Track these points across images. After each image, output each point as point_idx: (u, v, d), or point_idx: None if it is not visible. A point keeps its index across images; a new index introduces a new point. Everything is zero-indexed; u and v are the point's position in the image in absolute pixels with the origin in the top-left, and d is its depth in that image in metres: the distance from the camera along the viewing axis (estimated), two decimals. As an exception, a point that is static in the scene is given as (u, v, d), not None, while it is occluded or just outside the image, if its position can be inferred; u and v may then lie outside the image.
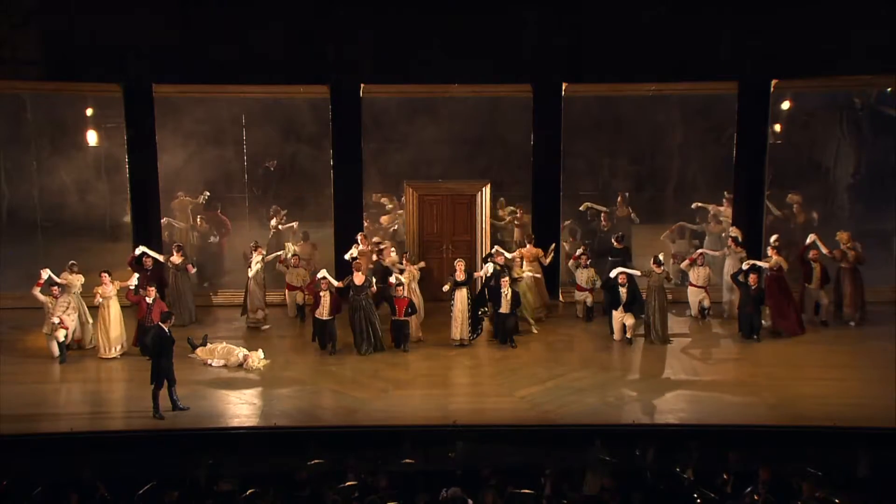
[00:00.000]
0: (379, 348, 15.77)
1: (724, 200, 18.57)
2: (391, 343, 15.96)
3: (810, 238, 16.84)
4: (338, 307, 15.73)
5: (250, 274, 17.00)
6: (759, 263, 16.38)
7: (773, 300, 16.28)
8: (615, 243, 17.65)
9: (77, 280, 15.89)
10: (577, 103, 18.01)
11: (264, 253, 17.33)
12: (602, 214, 18.40)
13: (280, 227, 18.62)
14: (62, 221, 18.31)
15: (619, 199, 18.82)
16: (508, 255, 16.98)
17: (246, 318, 17.18)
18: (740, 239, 17.39)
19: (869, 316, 16.98)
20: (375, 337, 15.77)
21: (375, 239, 17.74)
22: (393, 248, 17.39)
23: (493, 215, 18.54)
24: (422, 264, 17.24)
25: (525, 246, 17.54)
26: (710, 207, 18.55)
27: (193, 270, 17.48)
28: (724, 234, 17.96)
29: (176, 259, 17.31)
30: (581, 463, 11.61)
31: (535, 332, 16.50)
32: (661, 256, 16.51)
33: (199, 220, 18.60)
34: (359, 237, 17.20)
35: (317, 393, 14.21)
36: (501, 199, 18.87)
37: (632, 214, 18.67)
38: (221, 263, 19.19)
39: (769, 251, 16.59)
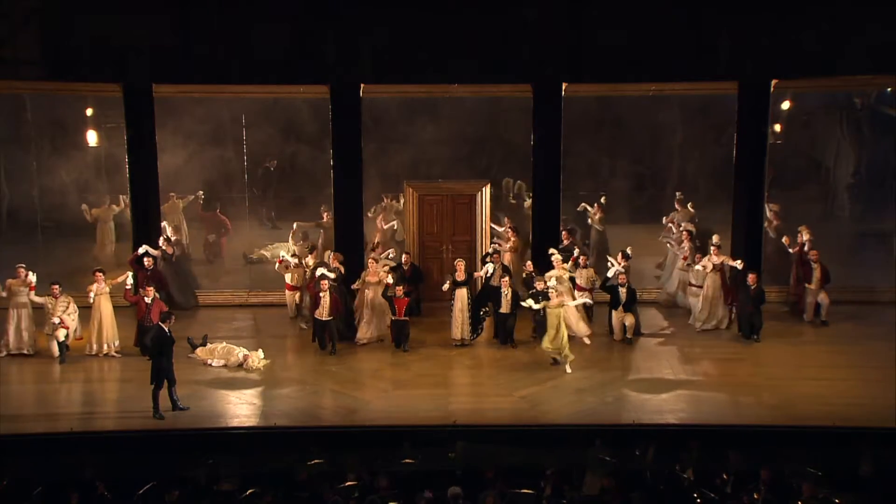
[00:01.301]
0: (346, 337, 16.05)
1: (675, 203, 18.69)
2: (391, 342, 15.98)
3: (806, 236, 16.88)
4: (338, 307, 15.73)
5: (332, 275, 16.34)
6: (702, 262, 16.55)
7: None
8: (564, 236, 17.47)
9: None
10: (577, 103, 17.99)
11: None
12: (563, 232, 18.13)
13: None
14: (62, 221, 18.32)
15: (595, 205, 18.82)
16: (501, 247, 17.05)
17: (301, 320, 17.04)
18: (694, 233, 17.64)
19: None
20: (351, 319, 16.07)
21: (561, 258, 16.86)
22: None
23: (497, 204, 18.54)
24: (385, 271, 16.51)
25: (510, 241, 17.54)
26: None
27: (171, 251, 17.43)
28: (680, 228, 18.05)
29: (168, 249, 17.31)
30: (581, 463, 11.62)
31: (569, 371, 14.82)
32: (629, 251, 16.58)
33: (171, 230, 17.99)
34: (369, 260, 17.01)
35: (317, 393, 14.21)
36: (520, 182, 18.85)
37: (591, 221, 18.73)
38: (221, 264, 19.26)
39: (711, 249, 16.57)
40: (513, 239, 17.64)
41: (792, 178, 18.66)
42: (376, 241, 17.99)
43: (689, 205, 18.78)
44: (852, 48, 17.04)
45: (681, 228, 18.04)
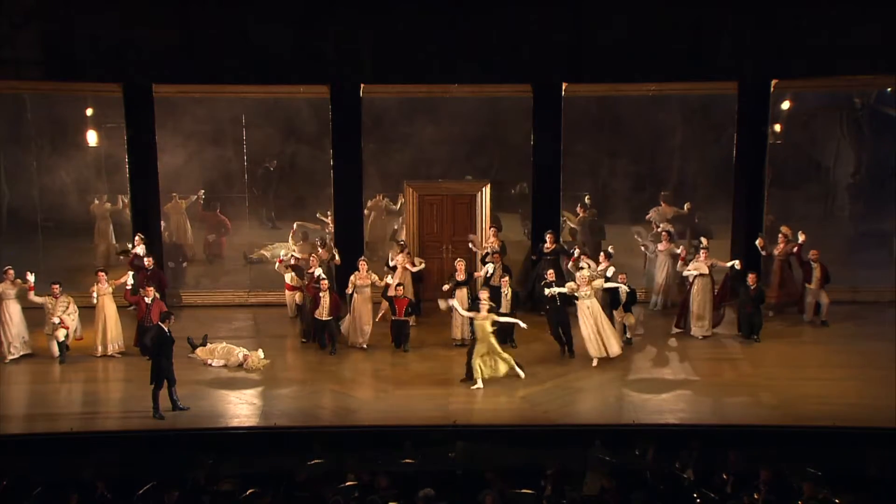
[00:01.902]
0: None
1: (660, 201, 18.67)
2: (391, 342, 15.97)
3: (801, 237, 16.84)
4: (338, 307, 15.72)
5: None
6: (690, 270, 16.27)
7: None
8: (549, 240, 17.11)
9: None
10: (577, 103, 18.00)
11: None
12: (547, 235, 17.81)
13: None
14: (62, 221, 18.31)
15: (578, 206, 18.78)
16: (476, 248, 17.01)
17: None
18: (674, 234, 17.73)
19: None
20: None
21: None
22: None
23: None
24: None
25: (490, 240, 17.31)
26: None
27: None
28: (659, 229, 17.99)
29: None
30: (581, 463, 11.61)
31: (480, 386, 14.20)
32: (611, 249, 16.54)
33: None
34: (360, 263, 16.72)
35: (317, 393, 14.20)
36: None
37: (569, 222, 18.72)
38: (221, 264, 19.26)
39: (702, 253, 16.33)
40: (493, 239, 17.44)
41: (792, 178, 18.64)
42: (402, 241, 17.78)
43: (686, 206, 18.74)
44: (852, 48, 17.04)
45: (658, 228, 17.98)
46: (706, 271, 16.18)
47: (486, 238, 17.63)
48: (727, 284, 16.53)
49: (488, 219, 18.15)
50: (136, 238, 17.21)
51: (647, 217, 18.73)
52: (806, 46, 17.23)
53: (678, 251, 17.34)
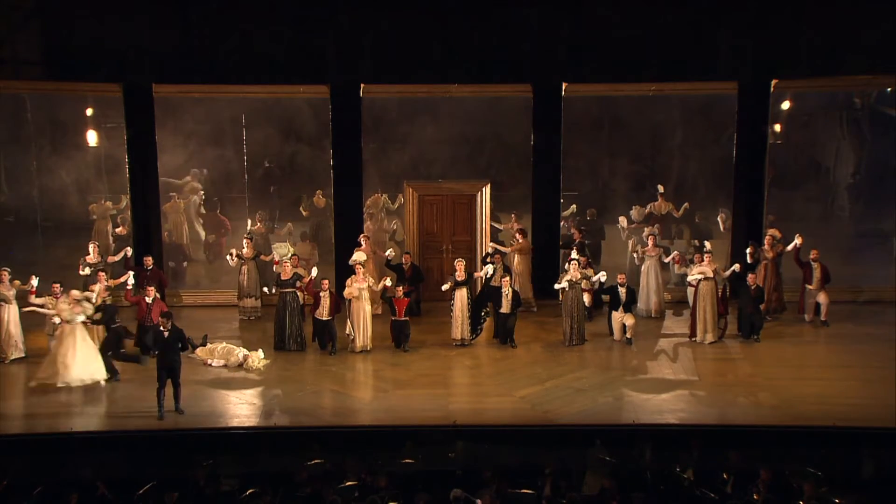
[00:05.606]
0: (303, 347, 15.80)
1: (658, 195, 18.63)
2: (391, 342, 15.98)
3: (798, 239, 16.76)
4: (338, 307, 15.72)
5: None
6: (695, 274, 16.08)
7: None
8: (574, 233, 17.45)
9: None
10: (577, 103, 18.02)
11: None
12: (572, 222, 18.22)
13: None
14: (62, 221, 18.32)
15: (571, 211, 18.79)
16: (505, 250, 16.97)
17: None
18: (658, 234, 17.75)
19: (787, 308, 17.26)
20: (301, 335, 15.82)
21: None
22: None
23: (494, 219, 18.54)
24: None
25: (518, 243, 17.46)
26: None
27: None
28: (644, 234, 17.94)
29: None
30: (581, 463, 11.62)
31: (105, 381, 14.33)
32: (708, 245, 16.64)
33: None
34: (361, 239, 17.17)
35: (317, 393, 14.20)
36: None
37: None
38: (221, 264, 19.26)
39: (705, 258, 16.12)
40: (521, 241, 17.53)
41: (792, 178, 18.66)
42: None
43: (684, 206, 18.70)
44: (852, 48, 17.05)
45: (645, 234, 17.87)
46: (711, 275, 16.05)
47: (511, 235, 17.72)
48: (726, 295, 16.45)
49: (488, 219, 18.15)
50: (91, 246, 16.97)
51: (630, 214, 18.70)
52: (806, 46, 17.25)
53: (667, 260, 17.33)
